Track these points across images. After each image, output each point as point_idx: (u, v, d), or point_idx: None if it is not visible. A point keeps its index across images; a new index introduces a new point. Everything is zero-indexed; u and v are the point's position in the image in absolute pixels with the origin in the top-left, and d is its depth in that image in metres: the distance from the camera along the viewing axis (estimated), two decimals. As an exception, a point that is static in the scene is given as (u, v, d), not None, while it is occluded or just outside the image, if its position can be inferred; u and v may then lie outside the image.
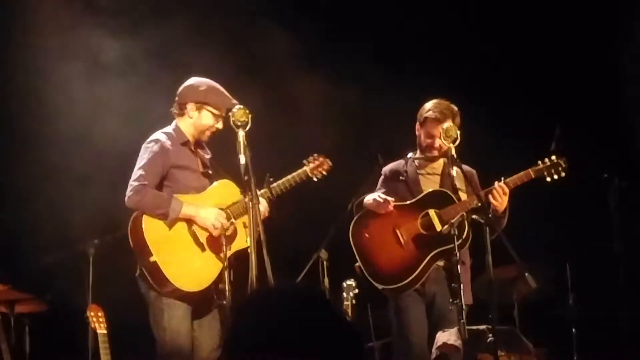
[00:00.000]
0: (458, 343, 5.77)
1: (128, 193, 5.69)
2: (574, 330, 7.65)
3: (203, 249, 5.82)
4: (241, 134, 5.56)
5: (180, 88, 6.01)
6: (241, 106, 5.62)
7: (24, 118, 7.70)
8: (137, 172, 5.74)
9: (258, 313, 2.18)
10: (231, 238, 5.81)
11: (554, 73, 8.15)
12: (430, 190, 6.24)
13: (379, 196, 6.20)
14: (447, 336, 5.90)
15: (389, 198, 6.17)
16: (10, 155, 7.80)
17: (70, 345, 7.38)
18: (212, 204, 5.86)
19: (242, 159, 5.54)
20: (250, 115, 5.58)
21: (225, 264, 5.56)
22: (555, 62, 8.12)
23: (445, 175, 6.24)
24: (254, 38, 8.26)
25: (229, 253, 5.71)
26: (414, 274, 6.04)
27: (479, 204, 5.92)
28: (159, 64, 7.66)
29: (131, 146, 6.18)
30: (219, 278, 5.71)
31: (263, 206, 5.77)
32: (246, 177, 5.52)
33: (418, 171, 6.35)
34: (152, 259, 5.63)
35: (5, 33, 7.68)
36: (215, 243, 5.79)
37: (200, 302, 5.82)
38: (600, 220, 7.20)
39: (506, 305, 7.45)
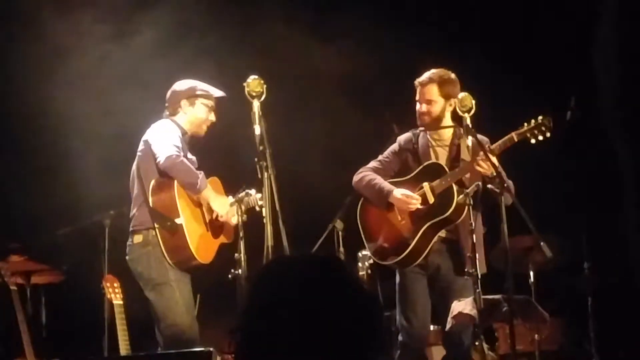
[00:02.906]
0: (474, 312, 5.77)
1: (167, 154, 5.75)
2: (589, 299, 7.64)
3: (207, 229, 6.00)
4: (256, 104, 5.59)
5: (169, 92, 6.19)
6: (256, 76, 5.63)
7: (35, 106, 7.71)
8: (170, 141, 5.84)
9: (277, 280, 2.18)
10: (221, 229, 6.11)
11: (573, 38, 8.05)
12: (425, 163, 6.21)
13: (405, 195, 6.15)
14: (462, 305, 5.91)
15: (415, 195, 6.14)
16: (25, 135, 7.83)
17: (86, 315, 7.42)
18: None
19: (257, 130, 5.56)
20: (265, 86, 5.59)
21: (241, 234, 5.62)
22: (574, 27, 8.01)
23: (454, 146, 6.23)
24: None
25: (220, 241, 6.07)
26: (410, 247, 6.06)
27: (493, 173, 5.89)
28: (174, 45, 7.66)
29: (142, 125, 6.27)
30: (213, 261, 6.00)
31: (233, 215, 5.96)
32: (261, 148, 5.53)
33: (429, 142, 6.30)
34: (178, 220, 5.73)
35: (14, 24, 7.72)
36: (214, 228, 6.05)
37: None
38: (616, 189, 7.16)
39: (522, 274, 7.45)
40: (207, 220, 5.99)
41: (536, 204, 6.13)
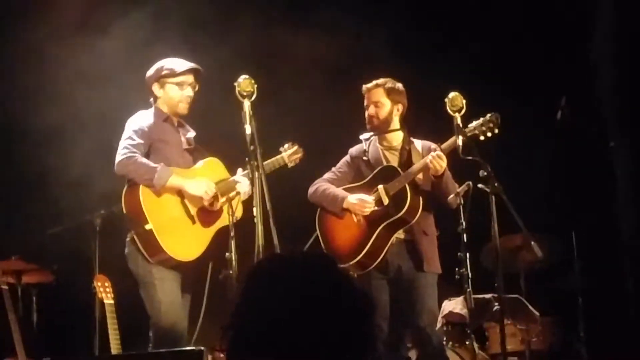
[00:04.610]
0: (464, 312, 5.79)
1: (117, 160, 5.72)
2: (580, 299, 7.65)
3: (193, 222, 5.87)
4: (247, 104, 5.57)
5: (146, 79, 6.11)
6: (247, 76, 5.62)
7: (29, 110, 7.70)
8: (124, 143, 5.79)
9: (270, 278, 2.19)
10: (218, 213, 5.92)
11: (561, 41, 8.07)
12: (379, 167, 6.29)
13: (359, 199, 6.24)
14: (453, 305, 5.94)
15: (369, 199, 6.22)
16: (17, 136, 7.83)
17: (78, 315, 7.42)
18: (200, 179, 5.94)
19: (248, 129, 5.55)
20: (255, 85, 5.58)
21: (232, 234, 5.61)
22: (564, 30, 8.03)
23: (405, 151, 6.30)
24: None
25: (217, 227, 5.90)
26: (367, 248, 6.13)
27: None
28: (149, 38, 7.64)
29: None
30: (207, 252, 5.85)
31: (247, 185, 5.86)
32: (252, 147, 5.53)
33: (380, 149, 6.39)
34: (147, 226, 5.66)
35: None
36: (204, 217, 5.90)
37: (186, 274, 5.91)
38: (606, 189, 7.18)
39: (512, 274, 7.46)
40: (195, 211, 5.86)
41: (527, 202, 6.15)
